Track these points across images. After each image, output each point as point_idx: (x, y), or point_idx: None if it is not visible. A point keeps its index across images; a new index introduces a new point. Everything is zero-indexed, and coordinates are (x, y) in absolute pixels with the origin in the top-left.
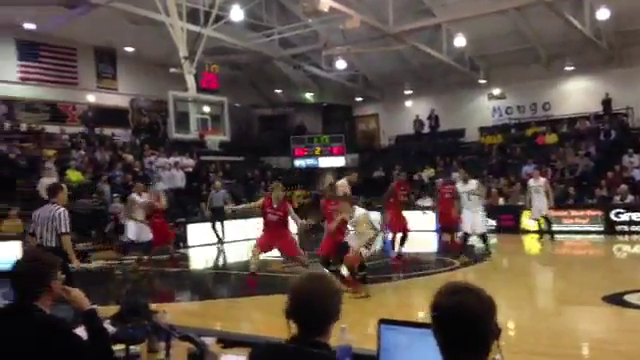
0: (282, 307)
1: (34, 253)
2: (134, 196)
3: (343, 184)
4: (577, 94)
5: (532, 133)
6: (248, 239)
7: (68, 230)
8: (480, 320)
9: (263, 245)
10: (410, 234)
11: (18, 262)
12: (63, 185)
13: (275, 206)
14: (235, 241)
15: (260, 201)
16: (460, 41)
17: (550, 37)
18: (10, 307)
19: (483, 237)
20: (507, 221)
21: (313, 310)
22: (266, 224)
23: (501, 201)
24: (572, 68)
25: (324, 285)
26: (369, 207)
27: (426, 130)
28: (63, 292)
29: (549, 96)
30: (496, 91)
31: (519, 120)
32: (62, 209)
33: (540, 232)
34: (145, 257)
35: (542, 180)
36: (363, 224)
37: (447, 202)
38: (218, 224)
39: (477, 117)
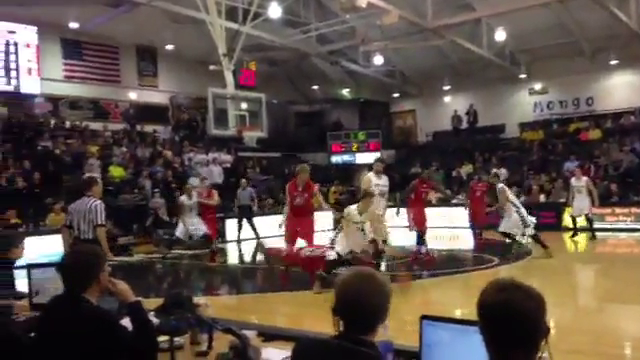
0: (318, 302)
1: (82, 246)
2: (183, 198)
3: (368, 179)
4: (622, 88)
5: (575, 129)
6: (275, 236)
7: (104, 222)
8: (529, 318)
9: (291, 236)
10: (445, 231)
11: (67, 254)
12: (98, 179)
13: (300, 189)
14: (268, 237)
15: (287, 187)
16: (501, 35)
17: (594, 30)
18: (59, 298)
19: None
20: (548, 218)
21: (360, 308)
22: (292, 210)
23: (542, 198)
24: (617, 62)
25: (373, 283)
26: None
27: (464, 126)
28: (109, 284)
29: (592, 91)
30: (537, 86)
31: (561, 115)
32: (98, 202)
33: (575, 230)
34: (212, 248)
35: (584, 179)
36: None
37: (478, 200)
38: (245, 221)
39: (517, 112)
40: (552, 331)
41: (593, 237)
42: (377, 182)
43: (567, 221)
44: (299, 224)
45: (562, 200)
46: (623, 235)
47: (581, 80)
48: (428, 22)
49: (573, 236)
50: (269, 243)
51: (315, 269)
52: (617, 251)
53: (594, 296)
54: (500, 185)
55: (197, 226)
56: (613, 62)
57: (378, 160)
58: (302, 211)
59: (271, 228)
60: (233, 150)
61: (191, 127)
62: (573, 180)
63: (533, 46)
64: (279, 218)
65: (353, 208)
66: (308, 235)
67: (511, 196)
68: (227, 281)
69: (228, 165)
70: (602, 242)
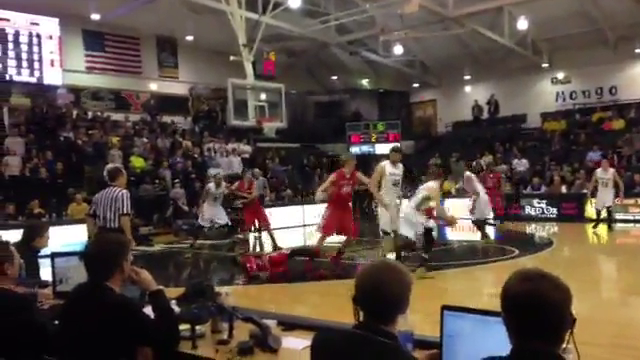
0: (338, 291)
1: (106, 235)
2: (211, 186)
3: (382, 168)
4: None
5: (597, 118)
6: (305, 225)
7: (129, 211)
8: (555, 308)
9: (329, 226)
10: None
11: (91, 243)
12: (123, 169)
13: (348, 176)
14: (281, 228)
15: (332, 177)
16: (523, 24)
17: (618, 18)
18: (83, 286)
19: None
20: (570, 209)
21: (381, 298)
22: (336, 200)
23: (564, 189)
24: None
25: (394, 274)
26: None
27: (485, 116)
28: (132, 272)
29: (616, 80)
30: (560, 75)
31: (584, 105)
32: (124, 191)
33: (597, 221)
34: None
35: (611, 171)
36: None
37: (490, 190)
38: None
39: (539, 102)
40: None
41: (610, 228)
42: (392, 171)
43: (589, 212)
44: (342, 218)
45: (584, 191)
46: None
47: (604, 69)
48: (449, 11)
49: (595, 227)
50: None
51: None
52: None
53: (615, 288)
54: (467, 173)
55: (220, 215)
56: (638, 51)
57: (394, 149)
58: (347, 200)
59: (290, 218)
60: (252, 141)
61: (211, 118)
62: (599, 172)
63: (555, 35)
64: (305, 208)
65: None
66: (348, 230)
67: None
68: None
69: (247, 156)
70: (625, 233)
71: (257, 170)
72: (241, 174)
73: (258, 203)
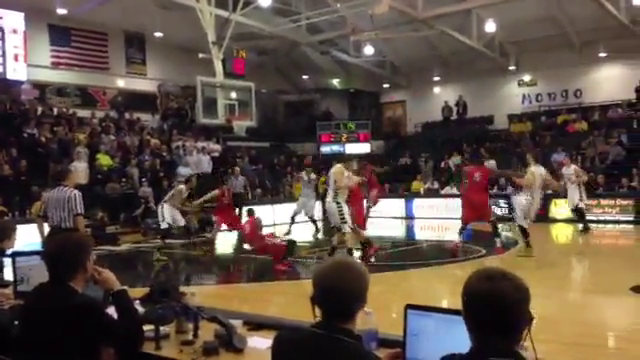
0: (306, 292)
1: (68, 234)
2: (182, 188)
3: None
4: (610, 81)
5: (562, 121)
6: (275, 224)
7: (82, 212)
8: (515, 307)
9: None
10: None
11: (53, 242)
12: (72, 169)
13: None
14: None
15: (358, 179)
16: (491, 26)
17: (583, 23)
18: (44, 286)
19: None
20: None
21: (338, 296)
22: (359, 195)
23: None
24: (605, 54)
25: (351, 271)
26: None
27: (454, 117)
28: (94, 272)
29: (581, 83)
30: (526, 78)
31: (549, 107)
32: (76, 191)
33: (582, 223)
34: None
35: (572, 167)
36: None
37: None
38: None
39: (506, 104)
40: (535, 321)
41: (584, 230)
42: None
43: (553, 212)
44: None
45: (549, 192)
46: (609, 227)
47: (570, 72)
48: (418, 12)
49: (583, 231)
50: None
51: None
52: (603, 242)
53: (579, 288)
54: None
55: (179, 217)
56: (602, 54)
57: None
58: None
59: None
60: (222, 139)
61: (180, 116)
62: (564, 170)
63: (523, 38)
64: (275, 208)
65: None
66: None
67: None
68: (215, 271)
69: (217, 154)
70: (588, 234)
71: (237, 168)
72: (220, 180)
73: (231, 207)
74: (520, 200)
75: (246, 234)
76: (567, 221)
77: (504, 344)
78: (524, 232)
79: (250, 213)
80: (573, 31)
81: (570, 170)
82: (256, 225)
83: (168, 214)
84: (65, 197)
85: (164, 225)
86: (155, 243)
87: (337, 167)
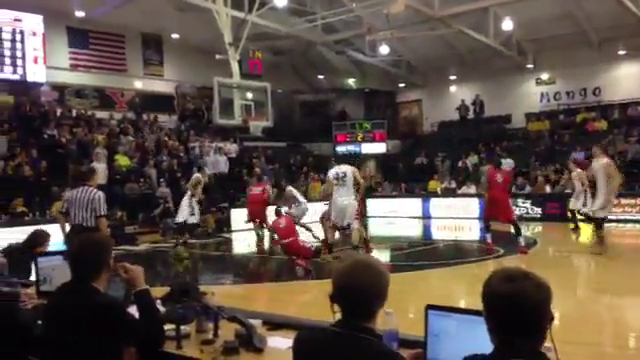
0: (325, 291)
1: (90, 235)
2: (198, 175)
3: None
4: (629, 79)
5: (581, 119)
6: None
7: (105, 213)
8: (538, 307)
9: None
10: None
11: (76, 242)
12: (96, 169)
13: None
14: None
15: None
16: (508, 25)
17: (602, 20)
18: (67, 286)
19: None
20: (554, 209)
21: (358, 294)
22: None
23: (548, 189)
24: (624, 52)
25: (370, 269)
26: (411, 193)
27: (471, 116)
28: (121, 269)
29: (600, 81)
30: (544, 76)
31: (568, 106)
32: (100, 192)
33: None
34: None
35: (578, 171)
36: None
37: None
38: None
39: (524, 103)
40: (555, 322)
41: (575, 228)
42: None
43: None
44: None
45: (568, 191)
46: (629, 226)
47: (588, 70)
48: (435, 11)
49: (574, 229)
50: None
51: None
52: (622, 242)
53: (599, 288)
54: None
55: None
56: (621, 52)
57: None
58: None
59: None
60: (238, 140)
61: (197, 116)
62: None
63: (540, 36)
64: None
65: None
66: None
67: None
68: (232, 270)
69: (233, 155)
70: (607, 233)
71: (258, 170)
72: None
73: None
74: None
75: (281, 230)
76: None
77: (528, 345)
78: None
79: (278, 212)
80: (591, 28)
81: (575, 173)
82: (293, 222)
83: (186, 207)
84: (89, 198)
85: (179, 219)
86: (173, 243)
87: (353, 168)
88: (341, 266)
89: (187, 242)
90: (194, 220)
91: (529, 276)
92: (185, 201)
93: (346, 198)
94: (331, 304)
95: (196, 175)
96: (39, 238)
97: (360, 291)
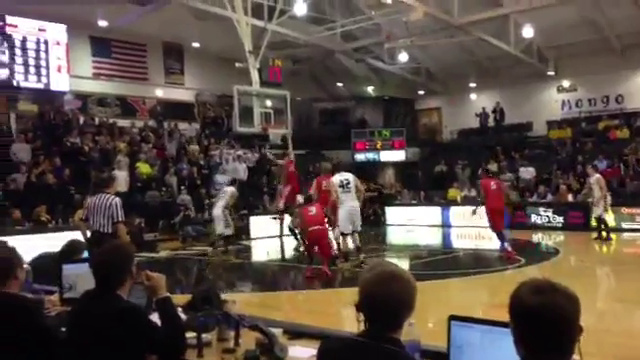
0: (348, 300)
1: (114, 243)
2: (233, 189)
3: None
4: None
5: (604, 127)
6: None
7: (123, 219)
8: (568, 320)
9: None
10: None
11: (100, 252)
12: (115, 177)
13: None
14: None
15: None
16: (528, 32)
17: (624, 26)
18: (91, 293)
19: None
20: (576, 218)
21: (386, 305)
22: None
23: (570, 197)
24: None
25: (398, 279)
26: (431, 201)
27: (492, 124)
28: (144, 277)
29: (623, 88)
30: (566, 83)
31: (590, 113)
32: (117, 198)
33: (598, 232)
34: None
35: (595, 177)
36: None
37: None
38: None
39: (545, 110)
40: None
41: (599, 237)
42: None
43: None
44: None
45: (590, 200)
46: None
47: (611, 77)
48: (454, 19)
49: (597, 238)
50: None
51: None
52: None
53: (622, 298)
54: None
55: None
56: None
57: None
58: None
59: None
60: (257, 147)
61: (216, 124)
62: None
63: (561, 43)
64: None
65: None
66: None
67: None
68: (251, 278)
69: (253, 164)
70: (632, 243)
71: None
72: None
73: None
74: None
75: (310, 217)
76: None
77: (558, 358)
78: None
79: (309, 199)
80: (614, 35)
81: (592, 179)
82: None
83: (222, 220)
84: (106, 204)
85: (218, 232)
86: (191, 250)
87: (354, 176)
88: (369, 275)
89: (226, 251)
90: (229, 232)
91: (559, 288)
92: (219, 214)
93: (354, 203)
94: (356, 313)
95: (233, 190)
96: (75, 248)
97: (388, 301)
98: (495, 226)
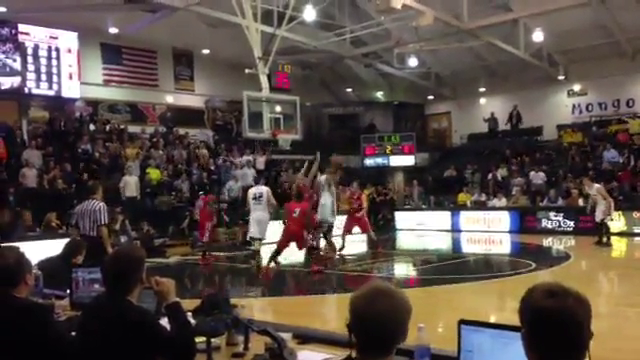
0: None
1: (125, 249)
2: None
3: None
4: None
5: (614, 131)
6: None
7: (106, 222)
8: (581, 324)
9: None
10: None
11: (110, 257)
12: (99, 184)
13: None
14: None
15: None
16: (538, 36)
17: (635, 30)
18: (101, 298)
19: None
20: (587, 223)
21: (374, 324)
22: None
23: (581, 202)
24: None
25: (386, 296)
26: (440, 206)
27: (502, 128)
28: (153, 282)
29: (634, 92)
30: (576, 87)
31: (601, 117)
32: (102, 204)
33: (599, 237)
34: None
35: (595, 187)
36: None
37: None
38: None
39: (555, 115)
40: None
41: (599, 242)
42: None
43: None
44: None
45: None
46: None
47: (621, 81)
48: (464, 23)
49: (598, 243)
50: None
51: None
52: None
53: (635, 303)
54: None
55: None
56: None
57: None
58: None
59: None
60: (268, 152)
61: (226, 130)
62: (587, 189)
63: (572, 47)
64: None
65: None
66: None
67: None
68: (259, 283)
69: (262, 167)
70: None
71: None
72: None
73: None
74: None
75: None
76: (617, 234)
77: None
78: None
79: (299, 196)
80: (624, 39)
81: (593, 191)
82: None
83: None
84: (91, 209)
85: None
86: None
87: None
88: (359, 293)
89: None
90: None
91: (571, 292)
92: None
93: (263, 214)
94: (349, 333)
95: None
96: (75, 247)
97: (377, 320)
98: None
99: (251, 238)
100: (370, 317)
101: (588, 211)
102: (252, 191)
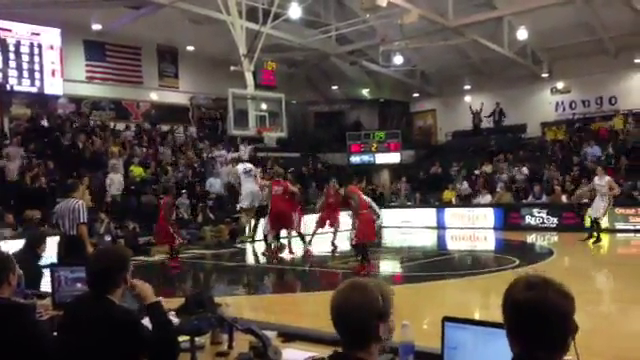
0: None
1: (109, 248)
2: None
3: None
4: None
5: (597, 128)
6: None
7: (85, 221)
8: (561, 316)
9: None
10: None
11: (96, 258)
12: (80, 182)
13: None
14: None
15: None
16: (522, 34)
17: (618, 28)
18: (83, 298)
19: None
20: (570, 219)
21: (348, 316)
22: None
23: (564, 198)
24: None
25: (359, 289)
26: (426, 203)
27: (485, 125)
28: (130, 286)
29: (616, 90)
30: (560, 85)
31: (584, 115)
32: (81, 202)
33: (590, 233)
34: None
35: (606, 179)
36: None
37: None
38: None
39: (539, 112)
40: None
41: (597, 240)
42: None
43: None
44: None
45: (585, 201)
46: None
47: (604, 79)
48: (449, 21)
49: (588, 238)
50: None
51: None
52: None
53: (617, 299)
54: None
55: None
56: (637, 60)
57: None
58: None
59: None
60: (253, 149)
61: (211, 127)
62: (596, 179)
63: (555, 45)
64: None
65: None
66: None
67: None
68: (248, 281)
69: (247, 157)
70: (626, 243)
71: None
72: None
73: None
74: None
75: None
76: (607, 231)
77: (549, 356)
78: None
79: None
80: (607, 37)
81: (603, 182)
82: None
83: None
84: (71, 208)
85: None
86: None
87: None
88: (338, 292)
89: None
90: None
91: (552, 283)
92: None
93: (254, 186)
94: (335, 330)
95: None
96: (36, 237)
97: (351, 312)
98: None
99: (241, 208)
100: (345, 311)
101: (576, 198)
102: (241, 167)
